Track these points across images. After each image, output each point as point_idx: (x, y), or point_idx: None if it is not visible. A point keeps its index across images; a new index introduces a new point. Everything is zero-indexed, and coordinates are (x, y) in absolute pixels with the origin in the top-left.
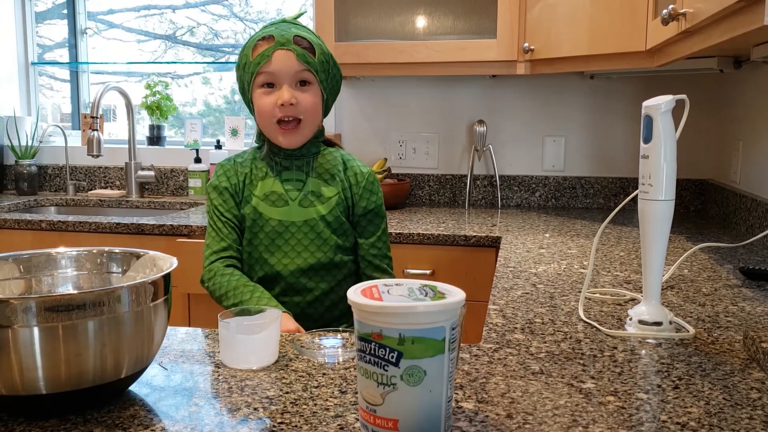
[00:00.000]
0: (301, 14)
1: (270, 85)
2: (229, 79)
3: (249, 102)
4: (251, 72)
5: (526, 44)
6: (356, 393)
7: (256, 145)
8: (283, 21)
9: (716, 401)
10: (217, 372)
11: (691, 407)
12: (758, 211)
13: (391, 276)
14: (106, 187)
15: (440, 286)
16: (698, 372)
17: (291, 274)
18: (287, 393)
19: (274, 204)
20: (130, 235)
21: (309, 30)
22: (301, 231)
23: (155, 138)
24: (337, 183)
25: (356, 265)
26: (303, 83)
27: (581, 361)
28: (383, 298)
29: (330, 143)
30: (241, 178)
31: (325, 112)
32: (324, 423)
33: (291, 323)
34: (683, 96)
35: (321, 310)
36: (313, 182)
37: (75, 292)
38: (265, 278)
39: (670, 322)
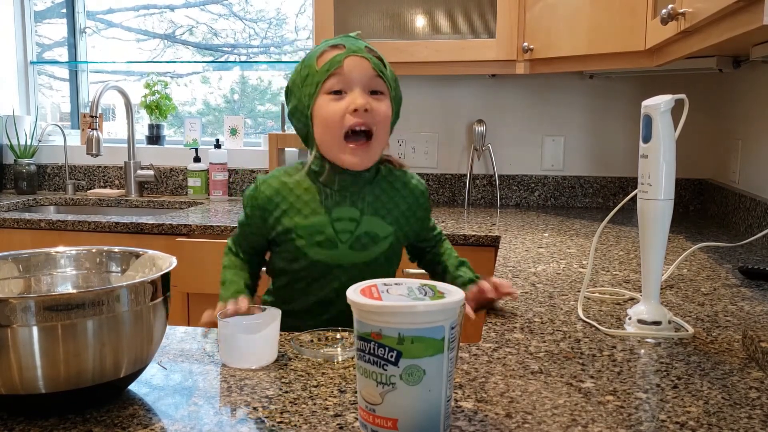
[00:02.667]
0: (358, 33)
1: (338, 92)
2: (228, 78)
3: (308, 120)
4: (317, 81)
5: (526, 44)
6: (356, 392)
7: (303, 163)
8: (346, 36)
9: (715, 401)
10: (217, 371)
11: (690, 407)
12: (757, 211)
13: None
14: (105, 187)
15: (440, 285)
16: (697, 371)
17: (330, 301)
18: (286, 392)
19: (320, 245)
20: (129, 235)
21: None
22: (347, 274)
23: (154, 137)
24: (395, 217)
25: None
26: (375, 93)
27: (580, 361)
28: (382, 298)
29: (384, 161)
30: (285, 208)
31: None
32: (323, 422)
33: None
34: (682, 96)
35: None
36: (367, 221)
37: (74, 291)
38: (305, 307)
39: (669, 322)
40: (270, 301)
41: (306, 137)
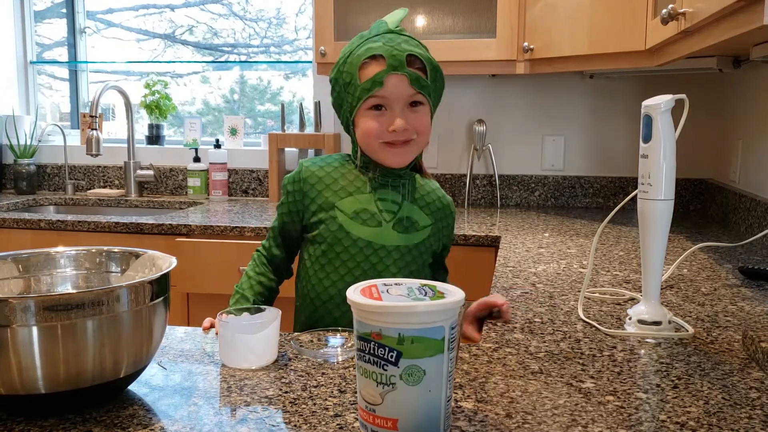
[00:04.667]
0: (404, 17)
1: (378, 107)
2: (228, 78)
3: (349, 122)
4: (358, 97)
5: (526, 43)
6: (355, 392)
7: (342, 155)
8: (390, 31)
9: (715, 401)
10: (216, 371)
11: (690, 407)
12: (757, 211)
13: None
14: (105, 187)
15: (440, 285)
16: (697, 371)
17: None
18: (286, 392)
19: (365, 223)
20: (129, 235)
21: (416, 41)
22: (391, 257)
23: (154, 137)
24: (431, 214)
25: None
26: (413, 103)
27: (580, 361)
28: (383, 298)
29: (418, 169)
30: (328, 183)
31: None
32: (323, 423)
33: None
34: (683, 96)
35: None
36: (408, 207)
37: (74, 291)
38: (338, 298)
39: (670, 322)
40: (300, 302)
41: (347, 130)
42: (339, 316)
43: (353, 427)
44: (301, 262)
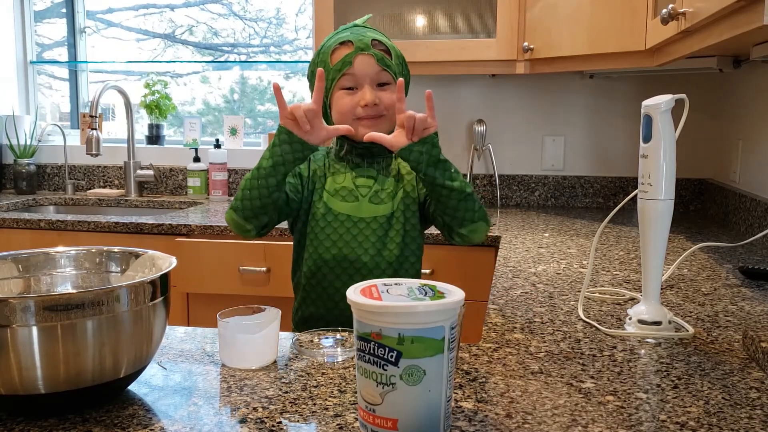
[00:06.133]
0: (368, 18)
1: (350, 88)
2: (228, 78)
3: (326, 106)
4: (331, 78)
5: (526, 43)
6: (355, 392)
7: (326, 148)
8: (355, 25)
9: (715, 401)
10: (216, 371)
11: (690, 407)
12: (758, 211)
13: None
14: (104, 187)
15: (440, 285)
16: (697, 371)
17: (357, 270)
18: (286, 392)
19: (344, 199)
20: (128, 235)
21: (381, 32)
22: (369, 227)
23: (154, 137)
24: (400, 178)
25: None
26: (381, 84)
27: (581, 361)
28: (382, 298)
29: None
30: (315, 167)
31: None
32: (323, 423)
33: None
34: (683, 95)
35: None
36: (382, 180)
37: (74, 291)
38: (335, 268)
39: (670, 322)
40: (303, 283)
41: (325, 115)
42: (327, 286)
43: (353, 427)
44: (294, 243)
